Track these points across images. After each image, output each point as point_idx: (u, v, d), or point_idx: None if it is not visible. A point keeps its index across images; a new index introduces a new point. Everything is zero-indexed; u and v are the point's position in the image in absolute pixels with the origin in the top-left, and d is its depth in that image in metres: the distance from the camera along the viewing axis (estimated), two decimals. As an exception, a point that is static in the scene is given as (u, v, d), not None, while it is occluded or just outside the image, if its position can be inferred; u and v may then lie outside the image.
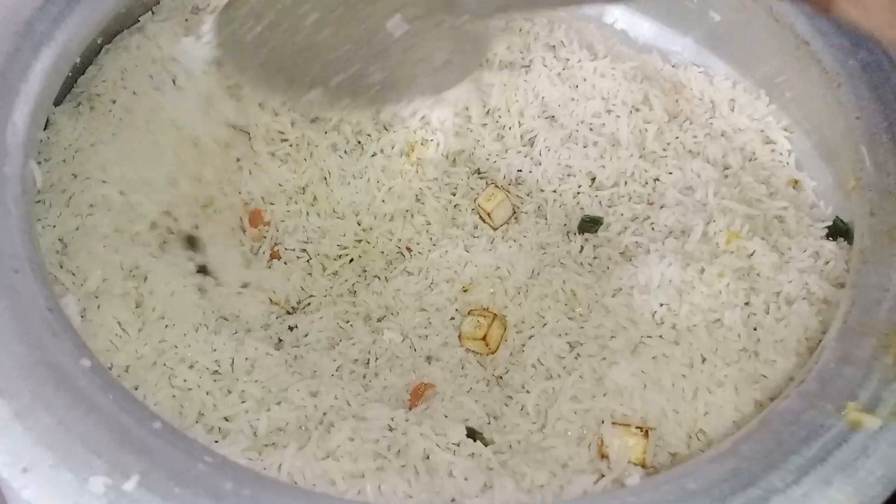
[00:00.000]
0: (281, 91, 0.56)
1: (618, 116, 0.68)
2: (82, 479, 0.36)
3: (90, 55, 0.64)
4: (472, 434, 0.52)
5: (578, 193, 0.67)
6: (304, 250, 0.66)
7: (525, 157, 0.69)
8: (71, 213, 0.57)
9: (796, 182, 0.68)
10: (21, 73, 0.53)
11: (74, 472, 0.36)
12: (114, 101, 0.62)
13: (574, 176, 0.68)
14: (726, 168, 0.68)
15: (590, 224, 0.66)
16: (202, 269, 0.61)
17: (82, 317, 0.52)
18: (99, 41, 0.64)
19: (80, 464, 0.36)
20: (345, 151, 0.68)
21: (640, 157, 0.67)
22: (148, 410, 0.39)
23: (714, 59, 0.73)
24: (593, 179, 0.68)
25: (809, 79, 0.62)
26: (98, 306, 0.53)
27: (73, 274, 0.55)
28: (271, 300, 0.61)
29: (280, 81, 0.55)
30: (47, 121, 0.61)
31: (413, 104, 0.65)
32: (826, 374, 0.45)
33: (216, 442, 0.46)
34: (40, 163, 0.57)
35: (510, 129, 0.69)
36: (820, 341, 0.55)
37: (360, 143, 0.68)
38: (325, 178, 0.67)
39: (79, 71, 0.63)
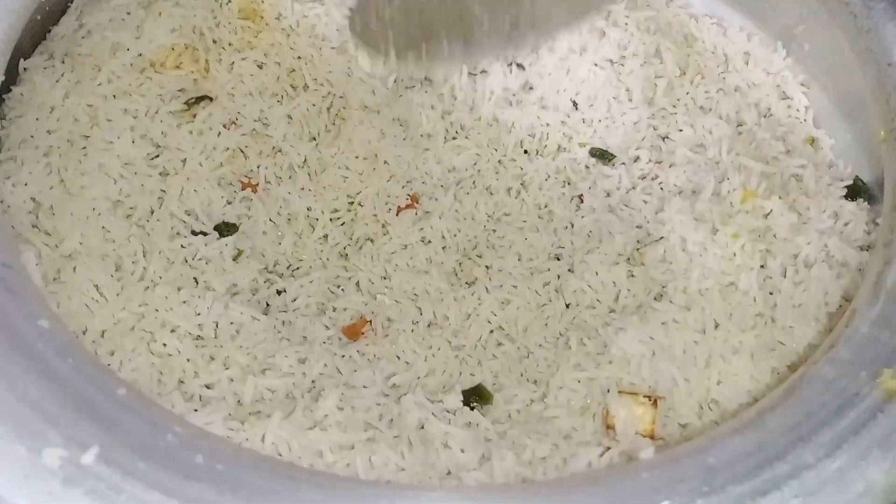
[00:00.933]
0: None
1: (630, 71, 0.64)
2: (35, 452, 0.32)
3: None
4: (469, 399, 0.48)
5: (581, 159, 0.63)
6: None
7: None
8: (46, 172, 0.53)
9: (814, 140, 0.65)
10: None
11: (26, 444, 0.32)
12: (99, 69, 0.58)
13: (573, 136, 0.63)
14: (740, 125, 0.64)
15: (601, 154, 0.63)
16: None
17: (55, 279, 0.49)
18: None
19: (34, 434, 0.33)
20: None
21: (650, 115, 0.63)
22: (113, 376, 0.36)
23: (728, 9, 0.69)
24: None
25: (834, 26, 0.58)
26: (74, 268, 0.50)
27: (48, 234, 0.51)
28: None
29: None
30: (17, 74, 0.57)
31: None
32: (859, 340, 0.42)
33: (195, 411, 0.43)
34: (9, 119, 0.53)
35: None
36: (840, 306, 0.52)
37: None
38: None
39: (49, 18, 0.59)
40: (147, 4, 0.61)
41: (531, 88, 0.64)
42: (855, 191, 0.60)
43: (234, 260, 0.55)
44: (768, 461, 0.35)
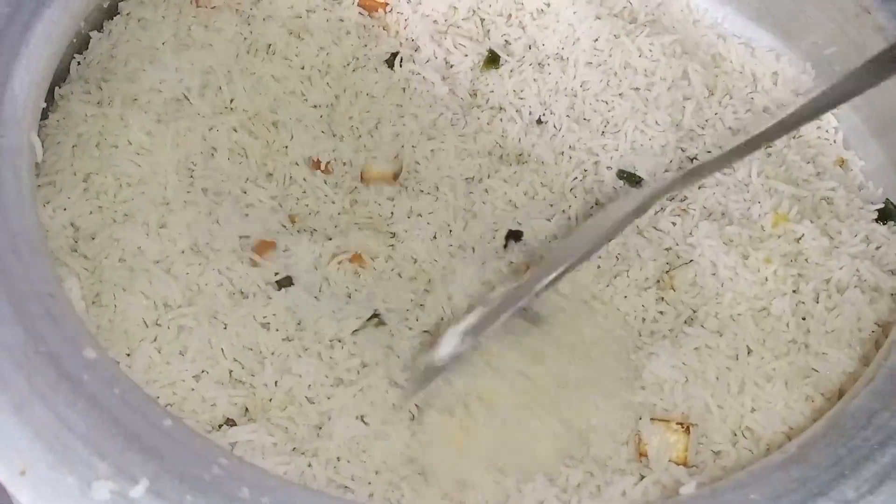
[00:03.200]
0: None
1: (657, 95, 0.64)
2: (85, 484, 0.33)
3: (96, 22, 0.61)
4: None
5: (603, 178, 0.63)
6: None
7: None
8: (84, 198, 0.54)
9: (843, 161, 0.65)
10: (20, 35, 0.49)
11: (76, 476, 0.33)
12: (135, 99, 0.58)
13: (600, 160, 0.63)
14: (769, 147, 0.64)
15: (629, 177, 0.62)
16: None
17: (94, 302, 0.50)
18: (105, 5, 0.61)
19: (83, 466, 0.33)
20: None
21: (678, 139, 0.63)
22: (158, 407, 0.36)
23: (756, 29, 0.69)
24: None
25: (866, 49, 0.57)
26: (114, 295, 0.50)
27: (87, 258, 0.52)
28: None
29: None
30: (53, 100, 0.58)
31: None
32: (873, 399, 0.41)
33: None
34: (46, 146, 0.54)
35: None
36: (873, 332, 0.52)
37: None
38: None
39: (84, 41, 0.60)
40: (182, 38, 0.62)
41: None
42: (886, 213, 0.60)
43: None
44: (811, 496, 0.35)
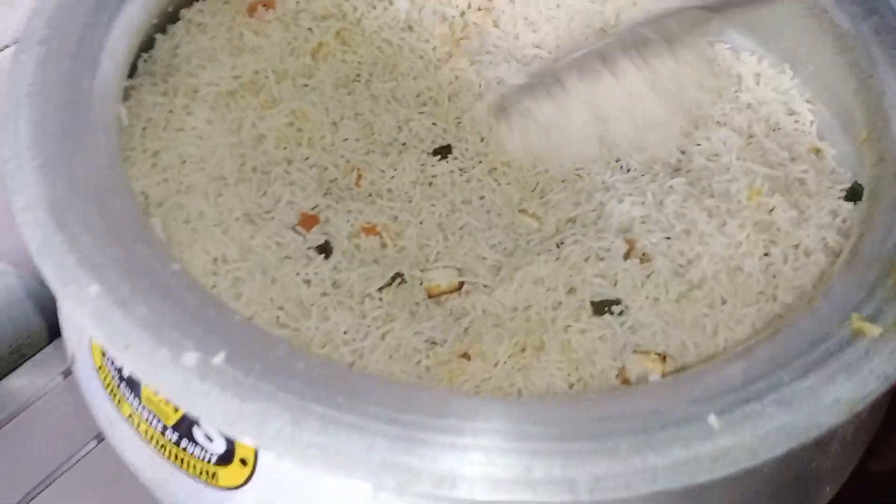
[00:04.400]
0: None
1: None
2: (176, 354, 0.42)
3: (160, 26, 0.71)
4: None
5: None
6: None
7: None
8: (153, 171, 0.63)
9: (818, 150, 0.72)
10: (106, 25, 0.60)
11: (168, 349, 0.42)
12: (196, 91, 0.68)
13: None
14: (751, 137, 0.72)
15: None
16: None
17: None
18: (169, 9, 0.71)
19: (174, 343, 0.42)
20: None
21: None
22: (229, 308, 0.45)
23: (739, 35, 0.78)
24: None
25: (826, 46, 0.66)
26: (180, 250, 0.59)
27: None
28: None
29: None
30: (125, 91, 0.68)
31: None
32: (833, 296, 0.49)
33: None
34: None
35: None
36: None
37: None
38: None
39: (149, 43, 0.70)
40: (235, 42, 0.72)
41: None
42: (853, 193, 0.67)
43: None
44: (752, 381, 0.43)
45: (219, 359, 0.41)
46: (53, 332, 0.84)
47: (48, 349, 0.81)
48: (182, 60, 0.70)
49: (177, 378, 0.40)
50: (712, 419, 0.40)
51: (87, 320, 0.43)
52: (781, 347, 0.45)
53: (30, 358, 0.80)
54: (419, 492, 0.39)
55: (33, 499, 0.68)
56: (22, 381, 0.78)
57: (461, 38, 0.79)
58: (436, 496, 0.39)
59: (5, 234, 0.76)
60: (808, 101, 0.74)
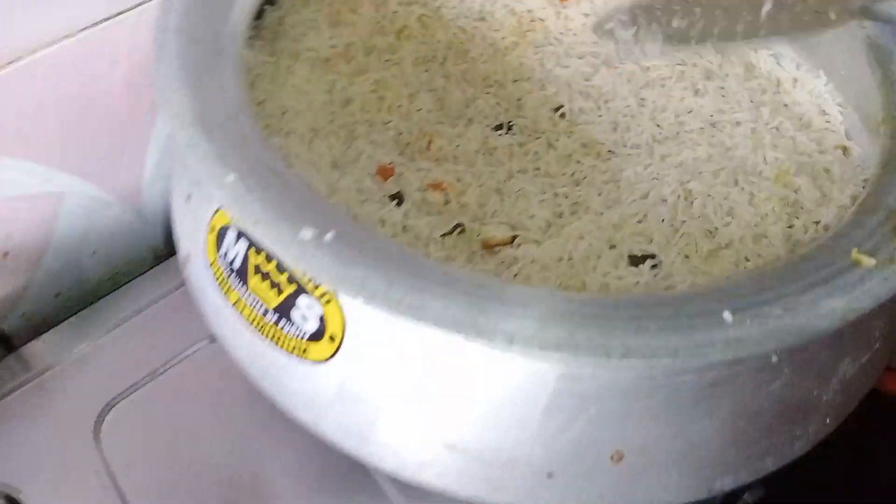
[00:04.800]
0: None
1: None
2: (295, 230, 0.51)
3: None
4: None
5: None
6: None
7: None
8: (258, 116, 0.73)
9: (845, 148, 0.80)
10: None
11: (288, 224, 0.51)
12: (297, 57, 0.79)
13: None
14: (784, 129, 0.80)
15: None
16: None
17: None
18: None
19: (292, 219, 0.52)
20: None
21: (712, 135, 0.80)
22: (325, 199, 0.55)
23: (782, 44, 0.86)
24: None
25: (860, 55, 0.74)
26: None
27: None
28: None
29: None
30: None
31: None
32: (838, 235, 0.58)
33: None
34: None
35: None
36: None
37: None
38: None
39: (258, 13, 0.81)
40: (332, 17, 0.83)
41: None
42: (875, 183, 0.75)
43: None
44: (762, 290, 0.51)
45: (329, 236, 0.50)
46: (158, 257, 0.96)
47: (150, 272, 0.91)
48: (288, 28, 0.80)
49: (295, 249, 0.50)
50: (727, 315, 0.48)
51: (226, 201, 0.52)
52: (791, 270, 0.53)
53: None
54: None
55: (140, 388, 0.78)
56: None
57: (527, 31, 0.89)
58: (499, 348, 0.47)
59: (114, 173, 0.88)
60: (839, 105, 0.82)
